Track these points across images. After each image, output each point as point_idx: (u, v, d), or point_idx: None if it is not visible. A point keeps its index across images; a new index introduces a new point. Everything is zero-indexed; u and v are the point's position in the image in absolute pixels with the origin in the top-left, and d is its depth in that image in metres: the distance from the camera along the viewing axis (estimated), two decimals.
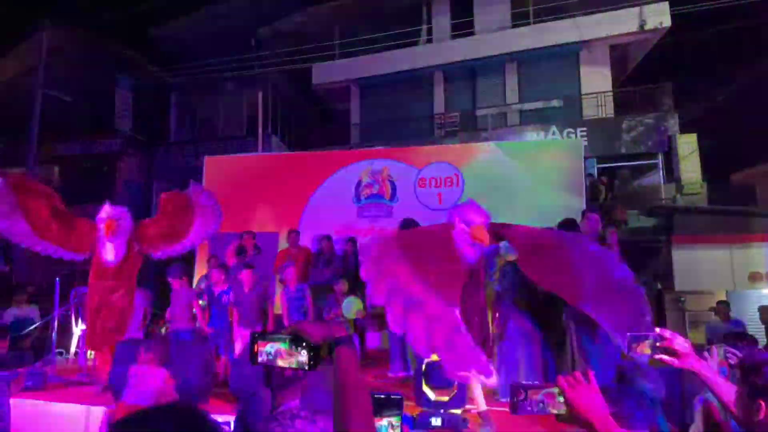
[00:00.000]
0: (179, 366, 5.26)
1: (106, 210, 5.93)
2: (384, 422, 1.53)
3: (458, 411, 4.81)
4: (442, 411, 4.65)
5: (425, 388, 5.13)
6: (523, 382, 1.52)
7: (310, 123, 19.33)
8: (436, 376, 5.11)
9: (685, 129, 14.01)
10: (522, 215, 7.82)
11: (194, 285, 8.61)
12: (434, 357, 5.37)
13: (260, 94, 13.48)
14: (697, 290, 10.70)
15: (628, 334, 1.97)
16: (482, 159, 9.63)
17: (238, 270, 7.00)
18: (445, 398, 4.78)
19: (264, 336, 1.37)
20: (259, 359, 1.36)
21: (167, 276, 6.92)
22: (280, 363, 1.34)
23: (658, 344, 1.92)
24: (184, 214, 6.34)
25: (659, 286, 10.93)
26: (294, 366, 1.33)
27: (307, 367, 1.33)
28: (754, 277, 10.38)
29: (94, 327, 5.89)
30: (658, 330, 1.94)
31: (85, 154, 18.43)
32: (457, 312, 3.88)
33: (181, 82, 18.61)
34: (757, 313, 8.75)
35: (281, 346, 1.34)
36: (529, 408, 1.49)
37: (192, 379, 5.24)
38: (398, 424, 1.54)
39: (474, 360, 3.73)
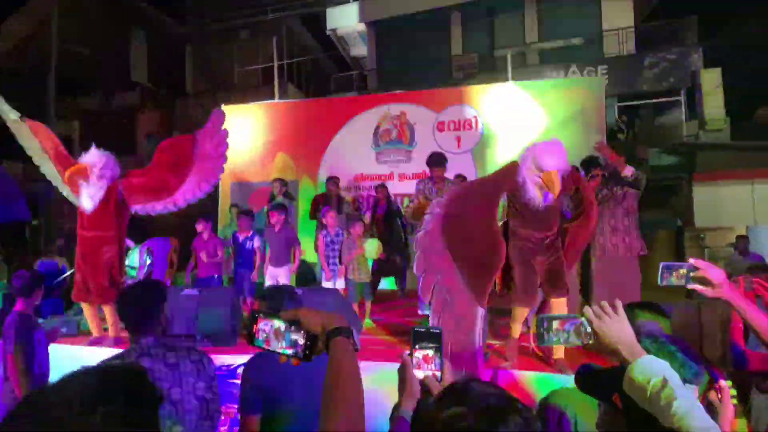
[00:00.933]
0: (208, 310, 5.42)
1: (90, 153, 5.62)
2: (418, 354, 1.54)
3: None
4: None
5: None
6: (548, 314, 1.52)
7: (327, 69, 19.09)
8: None
9: (709, 64, 13.57)
10: None
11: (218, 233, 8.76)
12: None
13: (275, 41, 13.26)
14: (717, 226, 10.60)
15: (662, 264, 1.97)
16: (501, 100, 9.46)
17: (270, 213, 7.18)
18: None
19: (264, 314, 1.30)
20: (257, 340, 1.29)
21: (196, 222, 7.12)
22: (276, 347, 1.27)
23: (691, 274, 1.91)
24: (178, 168, 5.95)
25: (679, 222, 10.85)
26: (289, 354, 1.27)
27: (302, 357, 1.26)
28: None
29: (83, 279, 5.65)
30: (691, 260, 1.92)
31: (105, 108, 18.52)
32: (482, 311, 4.18)
33: (195, 32, 18.42)
34: None
35: (280, 329, 1.28)
36: (554, 338, 1.48)
37: (219, 323, 5.38)
38: (433, 355, 1.54)
39: (470, 364, 4.13)
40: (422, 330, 1.54)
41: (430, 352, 1.52)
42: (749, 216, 10.44)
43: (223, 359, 4.95)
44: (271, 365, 2.46)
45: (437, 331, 1.55)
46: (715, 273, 1.87)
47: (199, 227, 7.41)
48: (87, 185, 5.55)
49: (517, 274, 4.47)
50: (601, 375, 1.73)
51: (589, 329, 1.45)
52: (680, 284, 1.95)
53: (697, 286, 1.89)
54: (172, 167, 5.96)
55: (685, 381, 1.49)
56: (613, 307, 1.45)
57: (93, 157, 5.64)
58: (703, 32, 14.29)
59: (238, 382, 4.67)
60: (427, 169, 7.07)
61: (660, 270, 1.97)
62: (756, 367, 2.53)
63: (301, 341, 1.25)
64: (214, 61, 19.18)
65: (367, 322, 6.36)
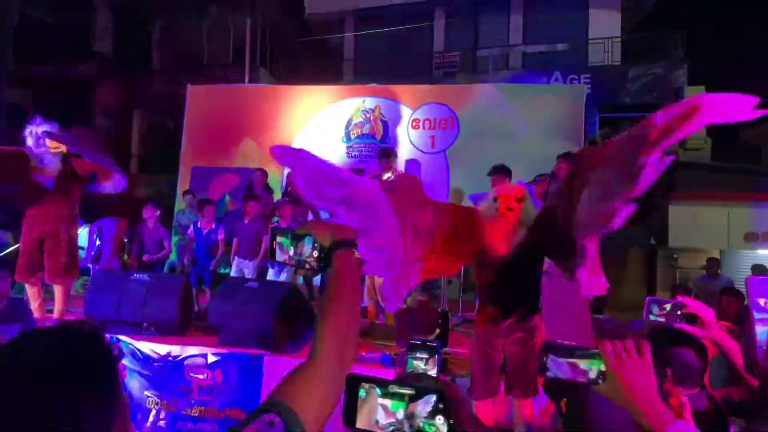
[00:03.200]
0: (157, 298, 5.39)
1: (43, 126, 5.51)
2: (414, 362, 1.61)
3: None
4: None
5: (406, 331, 5.30)
6: (557, 341, 1.33)
7: (301, 55, 19.01)
8: (416, 321, 5.26)
9: (694, 81, 13.93)
10: (517, 161, 7.84)
11: (174, 219, 8.70)
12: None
13: (248, 21, 13.21)
14: (690, 247, 10.91)
15: (648, 298, 2.00)
16: (480, 101, 9.58)
17: (245, 202, 7.25)
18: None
19: (281, 231, 1.43)
20: (278, 256, 1.42)
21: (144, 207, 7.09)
22: (293, 260, 1.41)
23: (679, 312, 1.94)
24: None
25: (653, 241, 11.12)
26: (308, 266, 1.40)
27: (317, 268, 1.39)
28: (749, 237, 10.59)
29: (32, 258, 5.60)
30: (680, 297, 1.98)
31: (61, 77, 18.11)
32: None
33: (164, 2, 18.13)
34: (750, 272, 8.96)
35: (298, 243, 1.40)
36: (557, 371, 1.31)
37: (167, 311, 5.36)
38: (423, 366, 1.61)
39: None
40: (418, 342, 1.60)
41: (420, 363, 1.57)
42: (723, 239, 10.75)
43: (169, 349, 4.96)
44: None
45: (434, 344, 1.60)
46: (706, 312, 1.90)
47: (146, 214, 7.36)
48: (49, 156, 5.52)
49: (473, 363, 3.84)
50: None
51: (602, 368, 1.27)
52: (666, 321, 1.97)
53: (685, 325, 1.91)
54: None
55: None
56: (639, 347, 1.28)
57: (50, 125, 5.60)
58: (690, 48, 14.65)
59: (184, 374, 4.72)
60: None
61: (645, 304, 2.00)
62: None
63: (315, 254, 1.37)
64: (183, 36, 18.93)
65: None
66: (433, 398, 1.02)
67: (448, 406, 1.02)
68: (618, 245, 6.13)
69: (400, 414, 1.02)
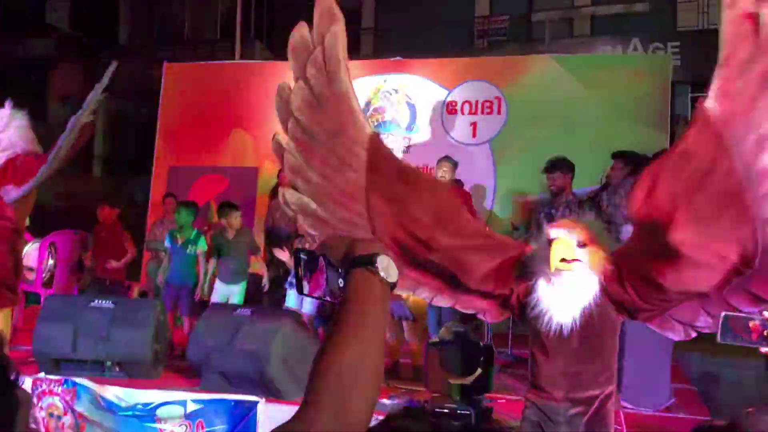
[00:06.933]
0: (124, 330, 5.44)
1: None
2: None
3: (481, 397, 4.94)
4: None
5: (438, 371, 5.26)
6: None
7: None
8: (451, 358, 5.19)
9: None
10: (583, 153, 7.79)
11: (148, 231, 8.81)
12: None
13: None
14: None
15: (724, 313, 1.86)
16: (535, 78, 9.48)
17: (226, 213, 7.20)
18: (466, 382, 4.85)
19: (305, 253, 1.27)
20: (305, 288, 1.28)
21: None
22: (322, 292, 1.25)
23: (766, 332, 1.80)
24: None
25: None
26: (329, 299, 1.24)
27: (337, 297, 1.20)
28: None
29: None
30: (766, 313, 1.85)
31: (9, 58, 18.47)
32: None
33: None
34: None
35: (321, 268, 1.24)
36: None
37: (137, 347, 5.41)
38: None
39: None
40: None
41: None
42: None
43: (138, 396, 4.99)
44: None
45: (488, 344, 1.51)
46: None
47: (102, 215, 7.54)
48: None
49: None
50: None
51: None
52: (749, 344, 1.84)
53: None
54: None
55: None
56: None
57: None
58: None
59: (157, 426, 4.75)
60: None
61: (721, 322, 1.85)
62: None
63: (341, 282, 1.19)
64: (158, 5, 19.21)
65: None
66: None
67: None
68: None
69: None
